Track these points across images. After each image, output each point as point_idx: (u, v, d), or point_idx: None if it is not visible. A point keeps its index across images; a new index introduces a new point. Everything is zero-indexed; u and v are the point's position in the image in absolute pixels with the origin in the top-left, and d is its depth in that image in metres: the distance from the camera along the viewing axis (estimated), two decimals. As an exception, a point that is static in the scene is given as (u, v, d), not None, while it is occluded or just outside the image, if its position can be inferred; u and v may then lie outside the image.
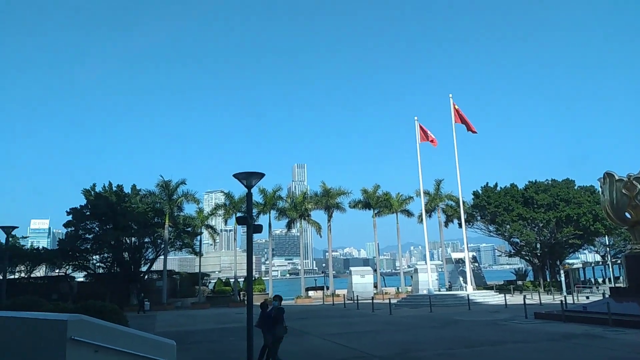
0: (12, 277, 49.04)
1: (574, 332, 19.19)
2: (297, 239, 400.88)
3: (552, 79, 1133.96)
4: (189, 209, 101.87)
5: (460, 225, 45.24)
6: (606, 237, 54.72)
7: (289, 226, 56.81)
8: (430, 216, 56.06)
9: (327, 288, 53.47)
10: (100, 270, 50.85)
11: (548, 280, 51.60)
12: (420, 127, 42.69)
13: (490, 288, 48.33)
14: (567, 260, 59.11)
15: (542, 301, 33.41)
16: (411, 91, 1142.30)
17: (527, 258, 56.30)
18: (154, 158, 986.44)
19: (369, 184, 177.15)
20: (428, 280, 42.24)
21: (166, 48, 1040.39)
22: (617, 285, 40.98)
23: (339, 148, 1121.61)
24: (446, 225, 58.09)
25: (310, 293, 54.57)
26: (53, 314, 9.59)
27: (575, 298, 36.51)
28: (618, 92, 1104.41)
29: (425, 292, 40.67)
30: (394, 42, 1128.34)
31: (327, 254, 79.48)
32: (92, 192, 49.88)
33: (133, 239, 49.57)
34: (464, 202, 46.49)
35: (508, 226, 51.49)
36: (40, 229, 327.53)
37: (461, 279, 51.79)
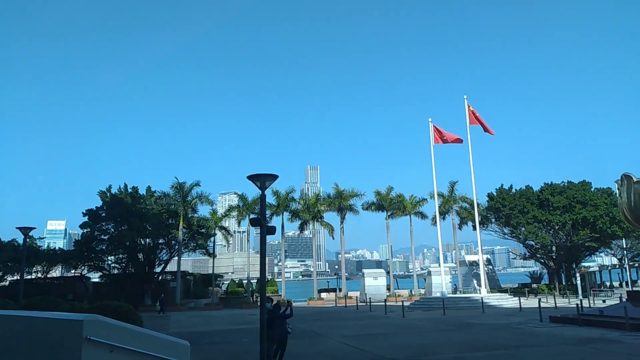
0: (29, 277, 49.93)
1: (590, 336, 18.92)
2: (309, 241, 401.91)
3: (570, 80, 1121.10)
4: (203, 211, 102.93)
5: (474, 227, 44.89)
6: (623, 240, 53.85)
7: (301, 228, 56.82)
8: (444, 218, 55.77)
9: (340, 290, 53.33)
10: (115, 271, 51.39)
11: (564, 283, 50.95)
12: (435, 128, 42.22)
13: (505, 291, 47.82)
14: (583, 263, 58.23)
15: (558, 305, 33.05)
16: (426, 93, 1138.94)
17: (543, 261, 55.61)
18: (169, 160, 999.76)
19: (382, 185, 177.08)
20: (441, 283, 41.85)
21: (183, 53, 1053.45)
22: (634, 288, 40.35)
23: (352, 150, 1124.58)
24: (460, 227, 57.76)
25: (323, 295, 54.45)
26: (69, 314, 9.73)
27: (591, 302, 36.05)
28: (637, 93, 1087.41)
29: (438, 294, 40.32)
30: (409, 45, 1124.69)
31: (339, 255, 79.42)
32: (108, 194, 50.43)
33: (148, 240, 49.95)
34: (478, 204, 46.08)
35: (523, 228, 50.94)
36: (57, 229, 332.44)
37: (475, 281, 51.36)
